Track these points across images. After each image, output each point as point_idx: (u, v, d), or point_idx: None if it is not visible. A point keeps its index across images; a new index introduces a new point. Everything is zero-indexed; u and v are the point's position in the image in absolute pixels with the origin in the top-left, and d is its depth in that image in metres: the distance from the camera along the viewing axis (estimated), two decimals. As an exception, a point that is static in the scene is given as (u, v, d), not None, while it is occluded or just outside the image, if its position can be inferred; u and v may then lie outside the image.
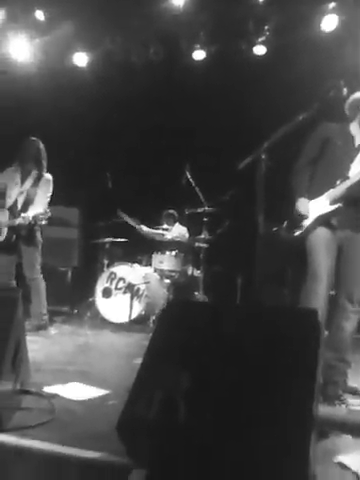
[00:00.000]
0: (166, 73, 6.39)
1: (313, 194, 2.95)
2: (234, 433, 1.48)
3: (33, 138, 4.49)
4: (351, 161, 2.89)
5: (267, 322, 1.72)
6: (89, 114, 6.44)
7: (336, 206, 2.83)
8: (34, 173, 4.49)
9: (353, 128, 2.99)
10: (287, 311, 1.86)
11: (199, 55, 6.31)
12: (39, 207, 4.29)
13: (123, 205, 5.63)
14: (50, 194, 4.49)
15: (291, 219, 3.01)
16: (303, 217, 2.93)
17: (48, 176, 4.53)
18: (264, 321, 1.73)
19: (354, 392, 2.73)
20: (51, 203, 4.44)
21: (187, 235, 6.10)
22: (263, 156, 2.41)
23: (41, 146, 4.50)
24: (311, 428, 1.47)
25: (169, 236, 5.76)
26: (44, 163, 4.49)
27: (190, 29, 6.28)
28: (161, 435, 1.51)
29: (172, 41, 6.40)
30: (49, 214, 4.15)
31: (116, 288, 5.35)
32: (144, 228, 5.80)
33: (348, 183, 2.81)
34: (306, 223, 2.93)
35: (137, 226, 5.75)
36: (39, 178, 4.47)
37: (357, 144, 2.95)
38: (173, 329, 1.75)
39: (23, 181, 4.47)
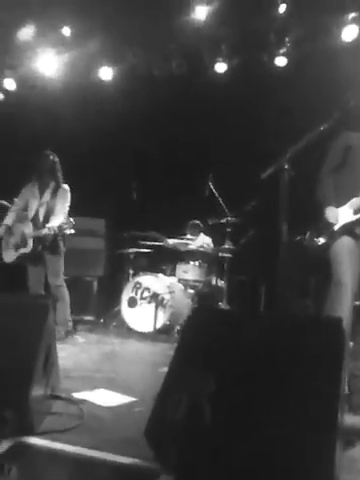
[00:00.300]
0: (189, 86, 6.48)
1: (337, 203, 2.97)
2: (259, 439, 1.51)
3: (47, 152, 4.64)
4: None
5: (289, 330, 1.75)
6: (114, 127, 6.57)
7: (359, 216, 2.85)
8: (52, 185, 4.63)
9: None
10: (310, 319, 1.89)
11: (221, 68, 6.39)
12: (60, 217, 4.44)
13: (148, 216, 5.72)
14: (68, 204, 4.62)
15: (315, 228, 3.03)
16: (332, 225, 2.93)
17: (65, 187, 4.67)
18: (286, 329, 1.76)
19: (380, 401, 2.71)
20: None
21: (212, 245, 6.14)
22: (286, 166, 2.45)
23: (55, 159, 4.65)
24: (336, 435, 1.49)
25: (193, 246, 5.81)
26: (59, 175, 4.65)
27: (212, 42, 6.37)
28: (188, 439, 1.56)
29: (194, 54, 6.50)
30: (73, 223, 4.28)
31: (141, 298, 5.41)
32: (170, 241, 5.87)
33: None
34: (329, 232, 2.95)
35: (164, 242, 5.84)
36: (57, 189, 4.61)
37: None
38: (198, 335, 1.79)
39: (42, 193, 4.62)
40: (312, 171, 3.08)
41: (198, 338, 1.78)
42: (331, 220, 2.92)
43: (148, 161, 6.65)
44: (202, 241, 6.14)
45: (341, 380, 1.56)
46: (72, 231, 4.33)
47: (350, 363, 2.89)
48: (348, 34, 5.59)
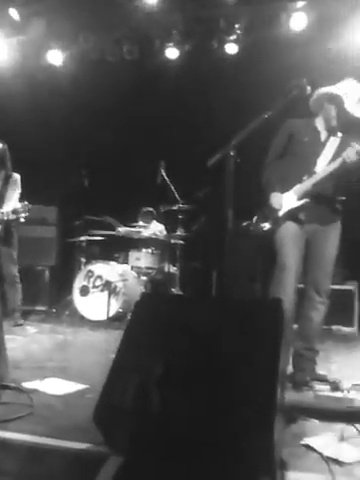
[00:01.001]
0: (141, 71, 6.43)
1: (282, 189, 3.05)
2: (205, 419, 1.56)
3: None
4: (317, 156, 3.00)
5: (233, 313, 1.82)
6: (64, 112, 6.45)
7: (303, 201, 2.95)
8: (1, 174, 4.61)
9: (318, 123, 3.09)
10: (253, 302, 1.97)
11: (172, 53, 6.37)
12: (13, 202, 4.46)
13: (99, 203, 5.68)
14: (19, 191, 4.63)
15: (261, 213, 3.12)
16: (277, 211, 3.02)
17: (16, 175, 4.68)
18: (230, 312, 1.83)
19: (322, 379, 2.85)
20: (29, 202, 4.49)
21: (165, 232, 6.18)
22: (231, 153, 2.50)
23: (4, 146, 4.58)
24: (274, 412, 1.57)
25: (146, 233, 5.83)
26: (8, 163, 4.63)
27: (163, 27, 6.34)
28: (136, 422, 1.60)
29: (146, 40, 6.45)
30: (28, 206, 4.24)
31: (94, 286, 5.40)
32: (121, 229, 5.85)
33: (314, 179, 2.93)
34: (274, 218, 3.04)
35: (116, 230, 5.81)
36: (7, 178, 4.62)
37: (323, 139, 3.06)
38: (146, 320, 1.83)
39: None
40: (257, 158, 3.15)
41: (146, 322, 1.81)
42: (275, 206, 3.01)
43: (99, 147, 6.58)
44: (155, 228, 6.17)
45: (280, 358, 1.64)
46: (27, 214, 4.28)
47: (295, 343, 3.01)
48: (297, 22, 5.69)
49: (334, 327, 5.57)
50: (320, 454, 1.80)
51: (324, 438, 1.92)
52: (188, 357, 1.69)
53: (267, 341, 1.71)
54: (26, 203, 4.28)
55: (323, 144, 3.04)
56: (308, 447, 1.87)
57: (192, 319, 1.80)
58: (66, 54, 6.44)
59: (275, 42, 5.88)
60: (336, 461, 1.73)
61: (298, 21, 5.69)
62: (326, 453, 1.78)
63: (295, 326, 3.07)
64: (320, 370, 3.06)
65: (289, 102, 2.86)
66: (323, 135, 3.07)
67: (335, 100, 2.92)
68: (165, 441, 1.56)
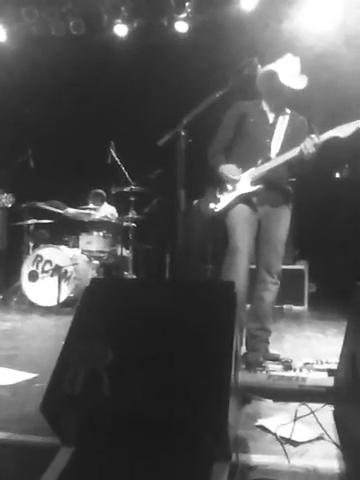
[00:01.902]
0: (88, 48, 6.21)
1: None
2: (157, 402, 1.52)
3: None
4: (269, 138, 2.98)
5: (186, 296, 1.77)
6: (9, 90, 6.16)
7: (257, 187, 2.92)
8: None
9: (264, 104, 3.06)
10: (205, 284, 1.93)
11: (121, 30, 6.20)
12: None
13: (47, 184, 5.48)
14: None
15: (211, 191, 3.07)
16: (234, 180, 2.94)
17: None
18: (183, 295, 1.78)
19: (275, 359, 2.87)
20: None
21: (116, 215, 6.06)
22: (182, 132, 2.43)
23: None
24: (228, 394, 1.54)
25: (97, 216, 5.69)
26: None
27: (111, 3, 6.15)
28: (86, 410, 1.53)
29: (93, 15, 6.24)
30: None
31: (43, 271, 5.24)
32: (70, 210, 5.67)
33: (270, 165, 2.89)
34: (226, 199, 3.00)
35: (62, 211, 5.62)
36: None
37: (271, 120, 3.03)
38: (96, 306, 1.75)
39: None
40: (210, 138, 3.10)
41: (96, 308, 1.74)
42: (232, 176, 2.93)
43: (45, 127, 6.34)
44: (106, 211, 6.04)
45: (233, 340, 1.62)
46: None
47: (248, 323, 3.02)
48: (247, 2, 5.65)
49: (285, 306, 5.69)
50: (274, 435, 1.80)
51: (278, 418, 1.93)
52: (140, 341, 1.64)
53: (220, 323, 1.68)
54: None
55: (272, 125, 3.01)
56: (262, 428, 1.87)
57: (143, 303, 1.74)
58: (9, 30, 6.13)
59: (226, 21, 5.82)
60: (290, 441, 1.73)
61: (248, 1, 5.64)
62: (280, 433, 1.78)
63: (248, 306, 3.08)
64: (273, 350, 3.09)
65: (241, 81, 2.82)
66: (271, 116, 3.04)
67: (273, 77, 2.89)
68: (116, 428, 1.51)
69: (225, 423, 1.45)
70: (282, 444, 1.71)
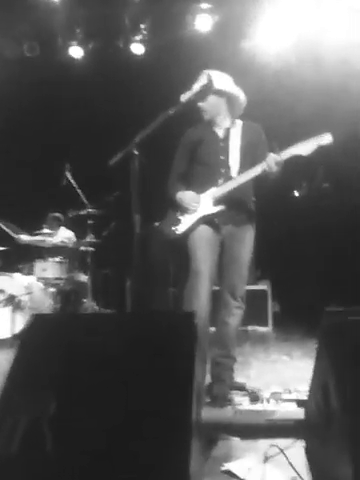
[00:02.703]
0: (43, 70, 6.05)
1: (194, 192, 2.89)
2: (110, 459, 1.33)
3: None
4: (223, 155, 2.87)
5: (141, 329, 1.60)
6: None
7: (219, 208, 2.80)
8: None
9: (212, 123, 2.95)
10: (162, 315, 1.76)
11: (76, 52, 6.08)
12: None
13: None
14: None
15: (171, 215, 2.93)
16: (192, 208, 2.83)
17: None
18: (138, 328, 1.61)
19: (241, 388, 2.72)
20: None
21: (74, 239, 5.82)
22: (135, 151, 2.29)
23: None
24: (189, 436, 1.37)
25: (52, 241, 5.44)
26: None
27: (66, 24, 6.03)
28: (25, 472, 1.32)
29: (47, 36, 6.10)
30: None
31: (-5, 301, 4.93)
32: (24, 237, 5.38)
33: (231, 185, 2.78)
34: (187, 221, 2.87)
35: (15, 236, 5.33)
36: None
37: (222, 136, 2.93)
38: (38, 347, 1.55)
39: None
40: (165, 158, 2.98)
41: (37, 350, 1.54)
42: (191, 203, 2.83)
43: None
44: (63, 235, 5.79)
45: (193, 375, 1.45)
46: None
47: (212, 350, 2.87)
48: (201, 23, 5.63)
49: (250, 328, 5.57)
50: (243, 480, 1.63)
51: (246, 461, 1.76)
52: (88, 386, 1.45)
53: (179, 359, 1.51)
54: None
55: (224, 141, 2.91)
56: (230, 474, 1.70)
57: (92, 340, 1.56)
58: None
59: (182, 42, 5.78)
60: (260, 488, 1.57)
61: (203, 22, 5.64)
62: (249, 479, 1.61)
63: (212, 329, 2.92)
64: (239, 377, 2.94)
65: (196, 96, 2.73)
66: (220, 132, 2.95)
67: (207, 89, 2.80)
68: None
69: (187, 475, 1.27)
70: (252, 493, 1.54)
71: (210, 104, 2.90)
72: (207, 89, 2.70)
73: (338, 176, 6.00)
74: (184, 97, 2.55)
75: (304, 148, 2.58)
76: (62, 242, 5.47)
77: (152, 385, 1.48)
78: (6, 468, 1.31)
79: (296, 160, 2.70)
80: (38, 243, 5.36)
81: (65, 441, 1.35)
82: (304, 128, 2.79)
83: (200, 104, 2.90)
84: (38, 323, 1.61)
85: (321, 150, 2.64)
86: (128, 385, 1.48)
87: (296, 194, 6.92)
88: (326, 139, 2.56)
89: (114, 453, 1.35)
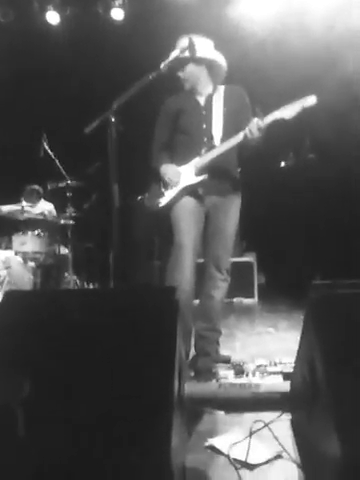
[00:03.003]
0: (18, 36, 5.79)
1: (176, 163, 2.79)
2: (87, 443, 1.26)
3: None
4: (206, 123, 2.77)
5: (121, 305, 1.53)
6: None
7: (202, 178, 2.71)
8: None
9: (193, 91, 2.85)
10: (143, 290, 1.68)
11: (53, 17, 5.82)
12: None
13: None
14: None
15: (154, 188, 2.84)
16: (174, 182, 2.74)
17: None
18: (118, 304, 1.53)
19: (226, 361, 2.69)
20: None
21: (54, 212, 5.67)
22: (113, 118, 2.17)
23: None
24: (170, 413, 1.32)
25: (33, 213, 5.27)
26: None
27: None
28: (-2, 456, 1.25)
29: (22, 1, 5.82)
30: None
31: (-27, 277, 4.80)
32: (3, 208, 5.22)
33: (213, 153, 2.68)
34: (170, 193, 2.77)
35: None
36: None
37: (203, 103, 2.83)
38: (11, 327, 1.47)
39: None
40: (145, 127, 2.87)
41: (10, 329, 1.45)
42: (172, 177, 2.74)
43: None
44: (43, 208, 5.63)
45: (175, 350, 1.39)
46: None
47: (196, 323, 2.82)
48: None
49: (235, 299, 5.56)
50: (227, 456, 1.58)
51: (230, 435, 1.72)
52: (63, 366, 1.37)
53: (160, 333, 1.45)
54: None
55: (207, 108, 2.80)
56: (214, 449, 1.65)
57: (68, 318, 1.48)
58: None
59: (164, 8, 5.56)
60: (245, 464, 1.53)
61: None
62: (233, 455, 1.57)
63: (196, 302, 2.86)
64: (224, 350, 2.91)
65: (176, 62, 2.60)
66: (202, 100, 2.84)
67: (191, 53, 2.66)
68: (35, 473, 1.23)
69: (168, 459, 1.21)
70: (236, 469, 1.50)
71: (189, 73, 2.79)
72: (188, 55, 2.57)
73: (324, 147, 5.92)
74: (164, 64, 2.42)
75: (287, 111, 2.48)
76: (42, 214, 5.32)
77: (132, 361, 1.42)
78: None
79: (283, 129, 2.61)
80: (17, 215, 5.18)
81: (38, 426, 1.28)
82: (291, 96, 2.69)
83: (179, 74, 2.78)
84: (11, 301, 1.52)
85: (308, 120, 2.55)
86: (107, 362, 1.42)
87: (283, 164, 6.83)
88: (310, 101, 2.46)
89: (92, 433, 1.29)
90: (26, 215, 5.16)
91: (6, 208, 5.24)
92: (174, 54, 2.58)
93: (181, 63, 2.72)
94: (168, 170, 2.77)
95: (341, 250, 5.55)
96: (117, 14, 5.80)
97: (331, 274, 5.04)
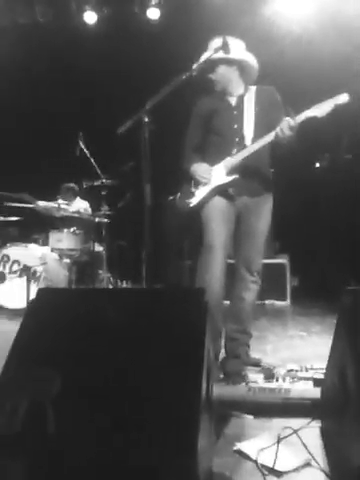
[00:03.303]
0: (56, 36, 5.89)
1: (209, 164, 2.78)
2: (115, 440, 1.27)
3: None
4: (237, 124, 2.75)
5: (150, 306, 1.53)
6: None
7: (233, 177, 2.69)
8: None
9: (224, 92, 2.83)
10: (173, 291, 1.68)
11: (90, 18, 5.91)
12: None
13: (13, 180, 5.13)
14: None
15: (185, 188, 2.83)
16: (204, 180, 2.73)
17: None
18: (147, 305, 1.54)
19: (256, 364, 2.66)
20: None
21: (89, 210, 5.75)
22: (146, 119, 2.18)
23: None
24: (197, 416, 1.31)
25: (69, 211, 5.36)
26: None
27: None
28: (29, 453, 1.27)
29: (61, 1, 5.92)
30: None
31: (10, 272, 4.93)
32: (41, 203, 5.33)
33: (244, 153, 2.66)
34: (201, 193, 2.77)
35: (33, 204, 5.29)
36: None
37: (234, 104, 2.81)
38: (43, 322, 1.49)
39: None
40: (174, 125, 2.87)
41: (42, 325, 1.48)
42: (203, 175, 2.73)
43: (10, 119, 5.98)
44: (78, 206, 5.73)
45: (203, 352, 1.39)
46: None
47: (227, 325, 2.80)
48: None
49: (267, 302, 5.49)
50: (255, 462, 1.57)
51: (259, 441, 1.70)
52: (94, 364, 1.39)
53: (189, 336, 1.45)
54: None
55: (238, 108, 2.78)
56: (241, 454, 1.64)
57: (99, 317, 1.49)
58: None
59: (200, 7, 5.56)
60: (273, 471, 1.51)
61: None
62: (261, 460, 1.56)
63: (227, 303, 2.84)
64: (254, 353, 2.88)
65: (208, 64, 2.60)
66: (233, 100, 2.82)
67: (221, 59, 2.68)
68: (63, 475, 1.25)
69: (194, 463, 1.21)
70: (264, 476, 1.48)
71: (221, 75, 2.78)
72: (221, 55, 2.56)
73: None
74: (196, 65, 2.42)
75: (319, 110, 2.44)
76: (77, 212, 5.40)
77: (160, 362, 1.42)
78: (6, 450, 1.27)
79: (320, 129, 2.56)
80: (53, 212, 5.29)
81: (67, 423, 1.30)
82: (326, 95, 2.64)
83: (210, 76, 2.77)
84: (44, 298, 1.55)
85: (345, 120, 2.49)
86: (136, 362, 1.43)
87: (318, 165, 6.71)
88: (342, 99, 2.40)
89: (119, 434, 1.30)
90: (62, 212, 5.26)
91: (43, 204, 5.35)
92: (207, 55, 2.57)
93: (213, 65, 2.72)
94: (199, 168, 2.76)
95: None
96: (153, 13, 5.83)
97: (366, 278, 4.95)
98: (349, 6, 4.95)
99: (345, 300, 1.57)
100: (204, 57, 2.56)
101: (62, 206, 5.31)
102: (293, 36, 5.36)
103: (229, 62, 2.73)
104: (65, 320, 1.51)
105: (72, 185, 5.82)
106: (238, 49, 2.74)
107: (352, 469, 1.41)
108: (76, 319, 1.53)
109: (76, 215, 5.34)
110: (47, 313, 1.53)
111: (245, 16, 5.32)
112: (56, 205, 5.28)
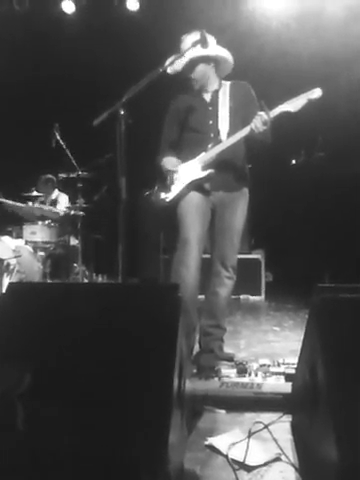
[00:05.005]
0: (32, 25, 5.77)
1: (184, 159, 2.78)
2: (86, 435, 1.27)
3: None
4: (212, 119, 2.76)
5: (122, 302, 1.52)
6: None
7: (208, 172, 2.69)
8: None
9: (199, 89, 2.83)
10: (146, 287, 1.68)
11: (68, 7, 5.81)
12: None
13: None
14: None
15: (161, 183, 2.83)
16: (173, 173, 2.74)
17: None
18: (119, 301, 1.53)
19: (230, 359, 2.68)
20: None
21: (68, 203, 5.66)
22: (122, 111, 2.16)
23: None
24: (169, 411, 1.31)
25: (44, 210, 5.27)
26: None
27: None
28: (-4, 449, 1.26)
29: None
30: None
31: (-17, 264, 4.83)
32: (6, 201, 5.19)
33: (219, 148, 2.67)
34: (177, 188, 2.76)
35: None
36: None
37: (209, 100, 2.81)
38: (12, 319, 1.47)
39: None
40: (155, 120, 2.85)
41: (11, 321, 1.46)
42: (171, 167, 2.74)
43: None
44: (57, 198, 5.65)
45: (175, 347, 1.39)
46: None
47: (201, 320, 2.81)
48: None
49: (242, 297, 5.54)
50: (225, 457, 1.58)
51: (230, 435, 1.71)
52: (64, 360, 1.37)
53: (161, 331, 1.45)
54: None
55: (213, 104, 2.79)
56: (212, 448, 1.65)
57: (71, 312, 1.48)
58: None
59: (178, 2, 5.52)
60: (243, 465, 1.52)
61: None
62: (232, 455, 1.57)
63: (202, 297, 2.85)
64: (228, 347, 2.90)
65: (190, 62, 2.60)
66: (208, 96, 2.83)
67: (199, 58, 2.70)
68: (32, 472, 1.24)
69: (165, 457, 1.21)
70: (234, 470, 1.49)
71: (199, 73, 2.78)
72: (200, 53, 2.59)
73: (335, 146, 5.85)
74: (172, 59, 2.42)
75: (293, 105, 2.47)
76: (55, 203, 5.34)
77: (132, 357, 1.42)
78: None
79: (296, 127, 2.57)
80: (19, 210, 5.20)
81: (39, 419, 1.29)
82: (300, 88, 2.66)
83: (190, 76, 2.77)
84: (14, 292, 1.52)
85: (320, 119, 2.52)
86: (107, 357, 1.42)
87: (294, 162, 6.77)
88: (315, 93, 2.44)
89: (88, 429, 1.29)
90: (37, 212, 5.17)
91: (9, 202, 5.21)
92: (185, 49, 2.57)
93: (193, 64, 2.71)
94: (168, 162, 2.78)
95: (351, 249, 5.50)
96: (132, 4, 5.77)
97: (340, 273, 5.03)
98: (330, 6, 5.00)
99: (316, 297, 1.59)
100: (183, 51, 2.55)
101: (36, 205, 5.22)
102: (272, 34, 5.38)
103: (207, 59, 2.73)
104: (36, 315, 1.49)
105: (50, 176, 5.70)
106: (213, 44, 2.73)
107: (321, 463, 1.44)
108: (47, 314, 1.51)
109: (46, 208, 5.26)
110: (17, 307, 1.51)
111: (226, 9, 5.32)
112: (23, 205, 5.18)
